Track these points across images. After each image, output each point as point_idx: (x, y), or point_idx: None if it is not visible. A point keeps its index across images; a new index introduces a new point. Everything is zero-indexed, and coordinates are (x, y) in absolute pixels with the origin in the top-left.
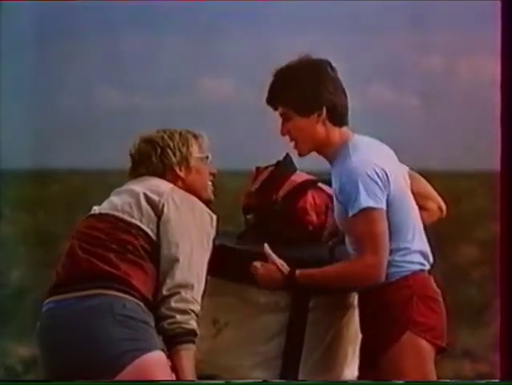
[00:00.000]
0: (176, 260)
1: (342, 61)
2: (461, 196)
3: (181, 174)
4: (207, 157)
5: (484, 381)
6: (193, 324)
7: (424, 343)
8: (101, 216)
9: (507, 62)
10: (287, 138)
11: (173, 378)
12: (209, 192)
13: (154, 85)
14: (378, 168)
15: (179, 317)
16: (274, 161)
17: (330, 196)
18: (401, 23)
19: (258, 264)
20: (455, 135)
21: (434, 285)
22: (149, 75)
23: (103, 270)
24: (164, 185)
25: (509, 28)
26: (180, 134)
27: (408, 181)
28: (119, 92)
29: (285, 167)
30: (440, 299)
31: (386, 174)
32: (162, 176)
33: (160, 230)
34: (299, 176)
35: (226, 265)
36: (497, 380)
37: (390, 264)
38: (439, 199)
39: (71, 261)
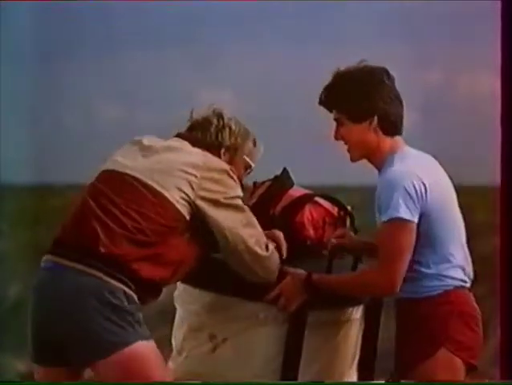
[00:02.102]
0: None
1: None
2: (461, 211)
3: (222, 158)
4: (250, 166)
5: (486, 382)
6: None
7: (457, 361)
8: (125, 178)
9: (507, 76)
10: (285, 151)
11: (157, 365)
12: None
13: (153, 98)
14: (416, 181)
15: None
16: (272, 176)
17: (327, 211)
18: (401, 38)
19: (281, 285)
20: (454, 149)
21: (474, 302)
22: (148, 88)
23: (110, 253)
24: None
25: (508, 41)
26: (245, 128)
27: (455, 198)
28: (118, 106)
29: (282, 181)
30: (479, 317)
31: (425, 187)
32: (207, 148)
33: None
34: (297, 191)
35: (224, 279)
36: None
37: (432, 276)
38: None
39: (80, 223)
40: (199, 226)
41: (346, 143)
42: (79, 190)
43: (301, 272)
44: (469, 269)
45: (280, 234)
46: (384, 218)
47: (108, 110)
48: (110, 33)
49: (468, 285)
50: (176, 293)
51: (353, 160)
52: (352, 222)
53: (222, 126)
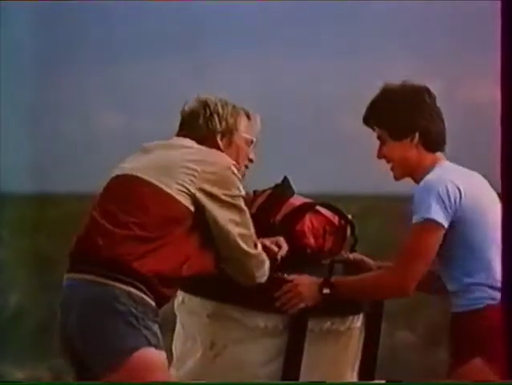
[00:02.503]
0: None
1: (342, 86)
2: None
3: (220, 144)
4: (252, 141)
5: (486, 382)
6: None
7: (491, 375)
8: (126, 178)
9: (507, 79)
10: (286, 159)
11: (165, 373)
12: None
13: (153, 108)
14: (450, 185)
15: None
16: (272, 184)
17: (328, 219)
18: (400, 48)
19: (298, 279)
20: (454, 155)
21: None
22: (148, 98)
23: (109, 256)
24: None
25: (508, 43)
26: (234, 107)
27: (499, 211)
28: (118, 115)
29: (282, 190)
30: None
31: (459, 191)
32: (203, 140)
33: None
34: (297, 200)
35: (225, 288)
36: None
37: (476, 287)
38: None
39: (84, 236)
40: (202, 219)
41: (388, 162)
42: (79, 199)
43: (315, 278)
44: None
45: (280, 238)
46: (415, 219)
47: (108, 118)
48: (110, 40)
49: None
50: (176, 302)
51: (397, 178)
52: (353, 231)
53: (210, 114)
